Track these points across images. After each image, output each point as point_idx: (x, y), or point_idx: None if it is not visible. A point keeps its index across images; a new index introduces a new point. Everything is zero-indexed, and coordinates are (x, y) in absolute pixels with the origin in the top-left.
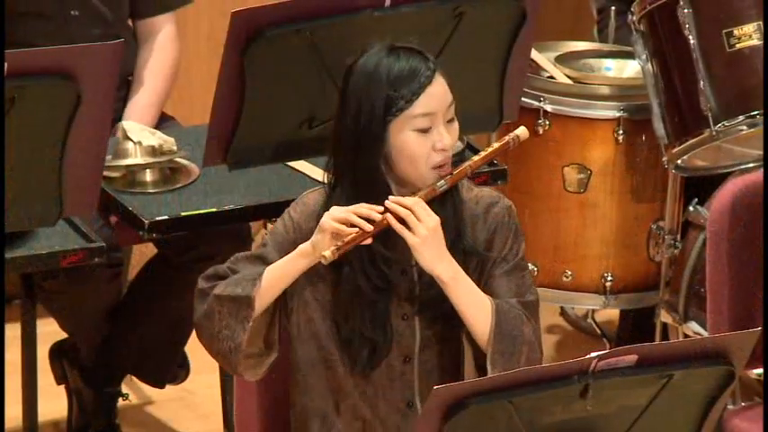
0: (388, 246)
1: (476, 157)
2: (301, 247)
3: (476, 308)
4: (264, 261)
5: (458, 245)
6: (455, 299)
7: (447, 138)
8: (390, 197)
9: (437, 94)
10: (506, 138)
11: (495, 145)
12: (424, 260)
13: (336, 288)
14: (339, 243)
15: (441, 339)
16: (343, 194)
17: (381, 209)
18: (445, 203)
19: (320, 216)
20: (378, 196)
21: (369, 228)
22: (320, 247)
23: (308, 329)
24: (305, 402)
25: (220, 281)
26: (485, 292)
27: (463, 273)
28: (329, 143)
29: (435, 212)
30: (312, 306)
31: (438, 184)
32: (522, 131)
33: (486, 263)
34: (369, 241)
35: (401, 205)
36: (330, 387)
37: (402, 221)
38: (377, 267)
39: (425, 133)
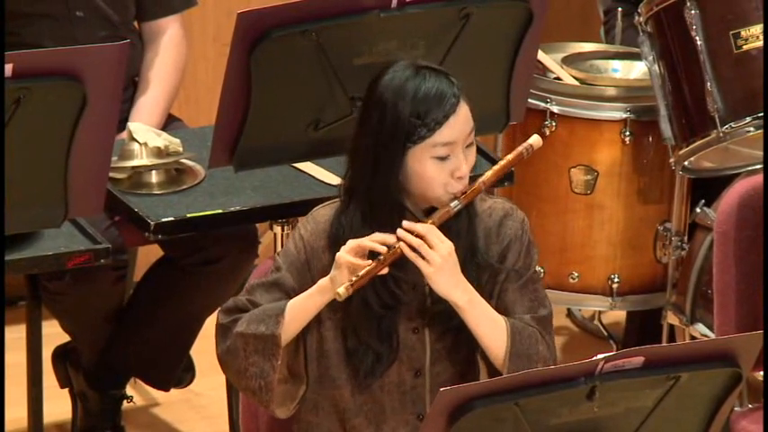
0: (398, 267)
1: (489, 173)
2: (320, 282)
3: (491, 329)
4: (281, 287)
5: (471, 258)
6: (471, 322)
7: (464, 166)
8: (404, 222)
9: (460, 123)
10: (520, 148)
11: (509, 157)
12: (439, 287)
13: (348, 304)
14: (354, 278)
15: (451, 352)
16: (357, 210)
17: (394, 238)
18: (459, 216)
19: (330, 232)
20: (391, 214)
21: (383, 250)
22: (338, 282)
23: (320, 348)
24: (310, 419)
25: (240, 314)
26: (497, 304)
27: (478, 296)
28: (345, 150)
29: (449, 227)
30: (326, 325)
31: (452, 204)
32: (535, 140)
33: (498, 275)
34: (384, 272)
35: (414, 233)
36: (336, 407)
37: (416, 249)
38: (387, 287)
39: (444, 160)
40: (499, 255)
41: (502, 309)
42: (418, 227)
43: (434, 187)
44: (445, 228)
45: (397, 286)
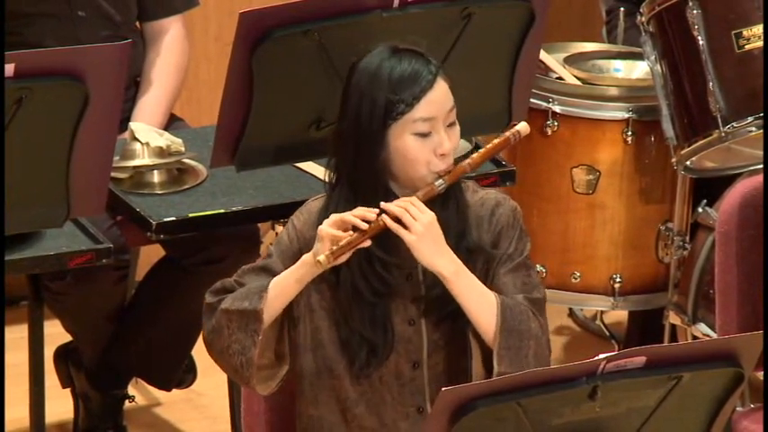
0: (388, 250)
1: (475, 155)
2: (304, 257)
3: (480, 303)
4: (270, 272)
5: (462, 244)
6: (458, 294)
7: (447, 143)
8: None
9: (438, 98)
10: (506, 133)
11: (496, 141)
12: (423, 257)
13: (337, 290)
14: (334, 247)
15: (448, 342)
16: (341, 195)
17: (376, 210)
18: (448, 205)
19: (321, 221)
20: (376, 197)
21: (364, 226)
22: (320, 254)
23: (315, 339)
24: (311, 413)
25: (227, 294)
26: (490, 289)
27: (465, 268)
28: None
29: (438, 213)
30: (318, 314)
31: (437, 183)
32: (522, 126)
33: (491, 261)
34: (366, 244)
35: (395, 205)
36: (336, 397)
37: (398, 221)
38: (374, 270)
39: (425, 137)
40: (491, 242)
41: (495, 292)
42: (401, 199)
43: (417, 166)
44: (435, 215)
45: (386, 270)
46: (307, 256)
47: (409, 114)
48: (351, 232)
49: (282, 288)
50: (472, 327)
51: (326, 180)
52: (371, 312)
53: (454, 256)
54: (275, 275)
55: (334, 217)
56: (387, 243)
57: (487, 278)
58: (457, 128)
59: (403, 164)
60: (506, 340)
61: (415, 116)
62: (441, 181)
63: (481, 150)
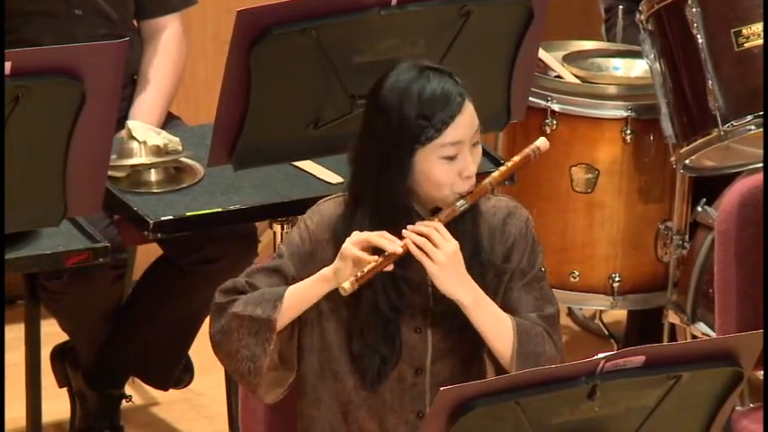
0: (405, 266)
1: (496, 174)
2: (323, 271)
3: (497, 329)
4: (281, 274)
5: (476, 257)
6: (476, 321)
7: (472, 165)
8: (408, 227)
9: (466, 121)
10: (527, 150)
11: (516, 158)
12: (444, 286)
13: (353, 302)
14: (359, 273)
15: (453, 352)
16: (365, 214)
17: (401, 242)
18: (464, 216)
19: (336, 227)
20: (399, 216)
21: (390, 249)
22: (341, 274)
23: (321, 340)
24: (312, 413)
25: (238, 295)
26: (503, 303)
27: (484, 295)
28: (348, 156)
29: (454, 226)
30: (327, 316)
31: (458, 204)
32: (542, 143)
33: (503, 274)
34: (389, 268)
35: (419, 233)
36: (338, 399)
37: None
38: (396, 288)
39: (452, 160)
40: (503, 254)
41: (507, 307)
42: (424, 226)
43: (442, 188)
44: (450, 227)
45: (407, 285)
46: (325, 272)
47: (438, 140)
48: (375, 256)
49: (298, 299)
50: (487, 348)
51: (346, 193)
52: (385, 327)
53: (474, 284)
54: (286, 277)
55: (357, 236)
56: (403, 258)
57: (498, 290)
58: (479, 146)
59: (427, 186)
60: (522, 364)
61: (444, 141)
62: (462, 201)
63: (501, 168)
